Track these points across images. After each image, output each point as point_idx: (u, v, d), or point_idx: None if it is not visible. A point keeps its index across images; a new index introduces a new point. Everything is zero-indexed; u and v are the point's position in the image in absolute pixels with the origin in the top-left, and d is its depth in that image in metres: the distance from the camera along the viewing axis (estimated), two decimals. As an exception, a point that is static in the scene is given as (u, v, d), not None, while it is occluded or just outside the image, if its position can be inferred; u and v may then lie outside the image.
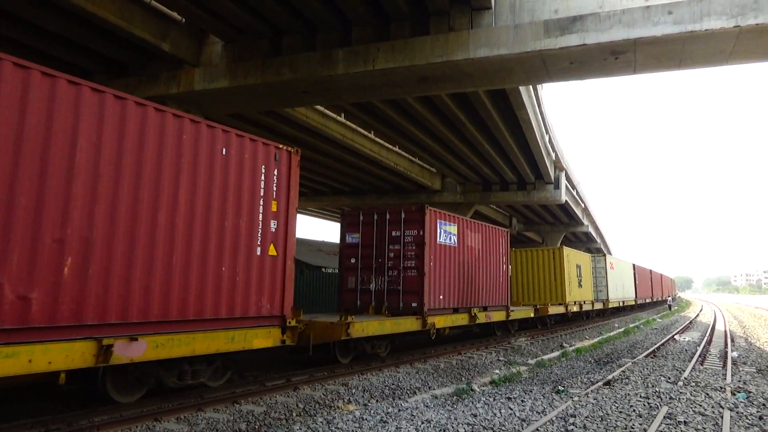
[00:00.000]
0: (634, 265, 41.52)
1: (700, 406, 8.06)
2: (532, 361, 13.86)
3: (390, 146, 26.37)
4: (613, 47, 12.00)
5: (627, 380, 10.26)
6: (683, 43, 11.68)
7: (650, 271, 52.49)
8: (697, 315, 39.94)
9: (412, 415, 7.35)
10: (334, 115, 21.45)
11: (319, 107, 20.36)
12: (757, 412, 7.80)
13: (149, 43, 13.61)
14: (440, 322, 14.08)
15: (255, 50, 14.55)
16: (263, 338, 8.59)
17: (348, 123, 22.44)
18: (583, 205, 46.36)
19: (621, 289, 34.98)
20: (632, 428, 6.79)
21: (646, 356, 14.49)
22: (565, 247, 24.22)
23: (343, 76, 13.74)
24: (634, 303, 40.38)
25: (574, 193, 40.90)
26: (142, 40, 13.42)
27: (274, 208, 8.88)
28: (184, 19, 14.31)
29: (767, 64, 14.98)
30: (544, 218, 46.85)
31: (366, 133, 23.93)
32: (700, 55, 12.21)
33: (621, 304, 35.35)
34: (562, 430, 6.64)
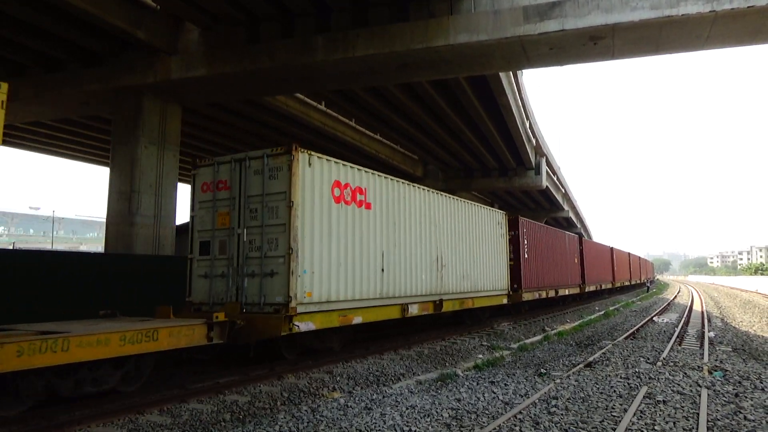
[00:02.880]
0: (519, 218, 20.04)
1: (679, 385, 8.22)
2: (514, 346, 14.01)
3: (371, 134, 26.30)
4: (591, 33, 12.06)
5: (607, 362, 10.43)
6: (660, 28, 11.78)
7: (579, 238, 30.13)
8: (675, 297, 40.71)
9: (397, 401, 7.39)
10: (314, 103, 21.30)
11: (299, 95, 20.19)
12: (734, 389, 7.99)
13: (123, 30, 13.31)
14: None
15: (232, 38, 14.31)
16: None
17: (329, 111, 22.30)
18: (563, 190, 46.80)
19: (411, 273, 12.93)
20: (613, 408, 6.90)
21: (625, 338, 14.74)
22: None
23: (323, 63, 13.61)
24: (505, 301, 18.59)
25: (555, 179, 41.26)
26: (116, 27, 13.12)
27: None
28: (158, 6, 14.00)
29: (742, 48, 15.22)
30: (525, 204, 47.23)
31: (347, 121, 23.81)
32: (677, 40, 12.33)
33: (399, 315, 12.45)
34: (545, 412, 6.73)
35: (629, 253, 54.87)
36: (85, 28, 13.92)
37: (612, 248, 42.06)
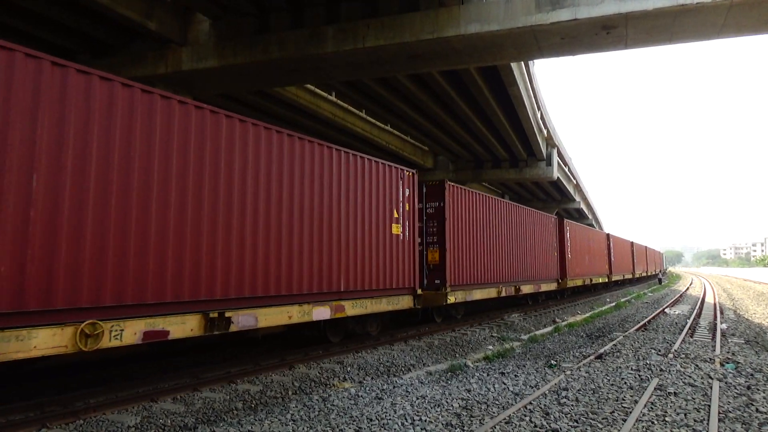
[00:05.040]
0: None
1: (690, 377, 8.19)
2: (524, 337, 14.01)
3: (381, 125, 26.22)
4: (604, 22, 11.91)
5: (618, 353, 10.40)
6: (674, 17, 11.60)
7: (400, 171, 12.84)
8: (687, 288, 40.43)
9: (407, 392, 7.43)
10: (324, 94, 21.27)
11: (309, 86, 20.17)
12: (746, 382, 7.94)
13: (134, 21, 13.32)
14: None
15: (242, 28, 14.32)
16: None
17: (339, 102, 22.26)
18: (575, 181, 46.48)
19: None
20: (623, 400, 6.90)
21: (636, 330, 14.68)
22: None
23: (333, 54, 13.57)
24: None
25: (566, 170, 40.96)
26: (127, 18, 13.13)
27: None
28: (169, -3, 14.02)
29: (756, 37, 14.90)
30: (536, 195, 46.98)
31: (357, 112, 23.76)
32: (691, 29, 12.14)
33: None
34: (555, 403, 6.74)
35: (602, 233, 36.21)
36: (96, 18, 13.96)
37: (564, 220, 25.52)
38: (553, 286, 23.13)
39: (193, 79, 15.25)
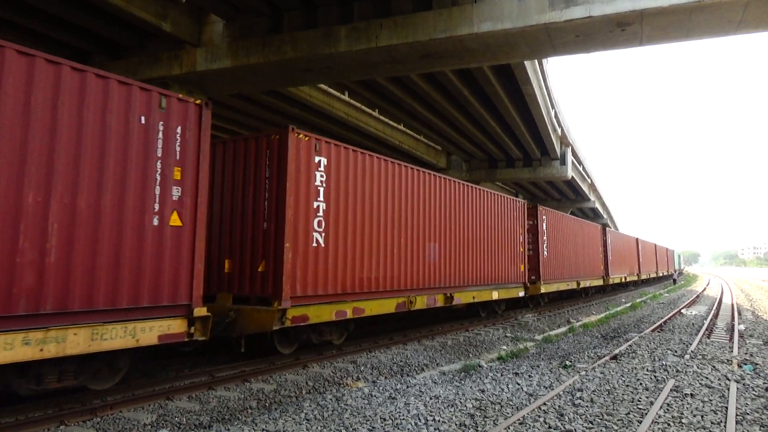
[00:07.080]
0: None
1: (707, 378, 8.09)
2: (539, 337, 13.93)
3: (395, 124, 26.23)
4: (619, 19, 11.80)
5: (634, 354, 10.31)
6: (690, 13, 11.45)
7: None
8: (704, 289, 39.91)
9: (421, 392, 7.43)
10: (337, 94, 21.31)
11: (322, 86, 20.23)
12: (764, 383, 7.83)
13: (149, 23, 13.46)
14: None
15: (256, 28, 14.41)
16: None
17: (352, 101, 22.30)
18: (589, 180, 46.12)
19: None
20: (639, 401, 6.83)
21: (652, 330, 14.53)
22: None
23: (346, 53, 13.60)
24: None
25: (581, 169, 40.65)
26: (142, 20, 13.27)
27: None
28: (183, -2, 14.13)
29: (777, 33, 14.68)
30: (550, 194, 46.70)
31: (370, 111, 23.78)
32: (708, 26, 11.98)
33: None
34: (570, 404, 6.69)
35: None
36: (111, 20, 14.11)
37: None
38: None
39: (207, 80, 15.37)
